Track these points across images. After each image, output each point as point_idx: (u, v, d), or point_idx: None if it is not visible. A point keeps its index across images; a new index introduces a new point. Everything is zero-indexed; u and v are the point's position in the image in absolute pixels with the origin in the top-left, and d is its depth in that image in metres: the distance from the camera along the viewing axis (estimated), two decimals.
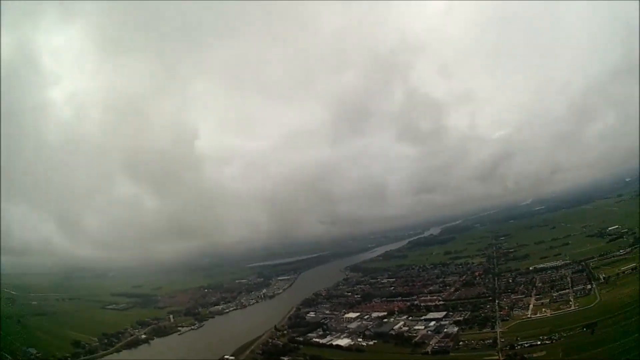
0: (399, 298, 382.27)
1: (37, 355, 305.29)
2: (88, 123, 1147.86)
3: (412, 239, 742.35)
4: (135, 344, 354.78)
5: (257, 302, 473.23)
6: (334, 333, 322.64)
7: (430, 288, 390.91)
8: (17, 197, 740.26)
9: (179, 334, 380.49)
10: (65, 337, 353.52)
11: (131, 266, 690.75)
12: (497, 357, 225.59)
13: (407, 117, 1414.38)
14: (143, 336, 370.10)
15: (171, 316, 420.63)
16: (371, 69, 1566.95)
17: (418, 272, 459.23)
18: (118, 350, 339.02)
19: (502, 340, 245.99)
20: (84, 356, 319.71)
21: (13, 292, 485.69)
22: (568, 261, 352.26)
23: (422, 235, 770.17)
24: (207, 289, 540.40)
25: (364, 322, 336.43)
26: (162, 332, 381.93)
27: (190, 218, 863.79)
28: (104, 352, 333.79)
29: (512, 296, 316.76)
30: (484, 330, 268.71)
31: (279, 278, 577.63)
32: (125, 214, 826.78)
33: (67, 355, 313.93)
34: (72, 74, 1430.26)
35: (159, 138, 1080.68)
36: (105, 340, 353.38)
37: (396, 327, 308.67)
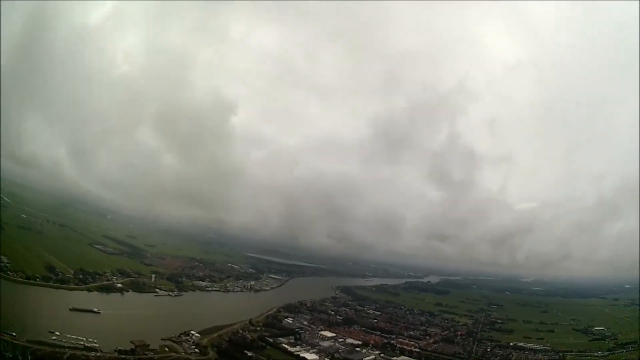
0: (378, 332, 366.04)
1: (7, 264, 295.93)
2: (129, 64, 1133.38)
3: (410, 279, 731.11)
4: (108, 289, 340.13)
5: (242, 291, 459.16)
6: (304, 345, 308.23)
7: (411, 332, 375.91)
8: (36, 109, 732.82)
9: (155, 295, 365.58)
10: (41, 258, 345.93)
11: (132, 215, 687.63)
12: None
13: (442, 160, 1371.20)
14: (119, 285, 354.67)
15: (153, 276, 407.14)
16: (423, 100, 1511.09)
17: (404, 314, 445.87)
18: (90, 290, 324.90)
19: None
20: (53, 282, 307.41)
21: (6, 199, 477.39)
22: (548, 348, 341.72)
23: (420, 279, 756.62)
24: (197, 262, 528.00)
25: (337, 344, 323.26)
26: (139, 288, 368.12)
27: (205, 189, 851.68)
28: (75, 286, 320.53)
29: None
30: None
31: (270, 275, 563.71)
32: (141, 164, 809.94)
33: (37, 276, 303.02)
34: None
35: (197, 101, 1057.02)
36: (81, 276, 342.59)
37: (367, 358, 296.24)
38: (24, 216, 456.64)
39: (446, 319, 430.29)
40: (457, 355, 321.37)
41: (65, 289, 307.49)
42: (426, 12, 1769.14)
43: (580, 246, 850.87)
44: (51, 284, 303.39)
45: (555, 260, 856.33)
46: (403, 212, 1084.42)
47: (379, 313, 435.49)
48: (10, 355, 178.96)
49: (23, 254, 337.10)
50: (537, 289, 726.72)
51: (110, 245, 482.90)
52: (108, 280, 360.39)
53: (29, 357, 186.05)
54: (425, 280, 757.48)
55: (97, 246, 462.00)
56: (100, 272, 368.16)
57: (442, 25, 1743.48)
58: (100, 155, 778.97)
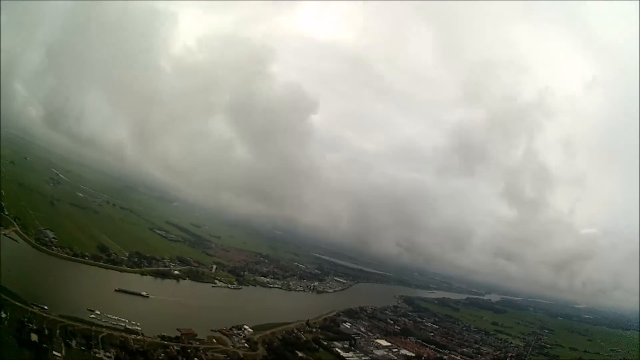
0: (433, 346, 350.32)
1: (53, 239, 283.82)
2: (204, 52, 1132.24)
3: (471, 295, 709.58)
4: (164, 275, 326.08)
5: (304, 291, 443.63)
6: (358, 352, 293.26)
7: (465, 349, 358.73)
8: (101, 90, 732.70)
9: (212, 286, 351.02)
10: (94, 238, 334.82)
11: (198, 205, 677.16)
12: None
13: (516, 177, 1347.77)
14: (176, 272, 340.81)
15: (215, 266, 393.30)
16: (502, 113, 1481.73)
17: (461, 330, 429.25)
18: (143, 274, 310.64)
19: None
20: (103, 262, 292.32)
21: (61, 176, 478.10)
22: None
23: (481, 296, 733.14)
24: (263, 258, 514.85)
25: (391, 354, 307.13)
26: (197, 277, 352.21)
27: (276, 184, 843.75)
28: (128, 268, 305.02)
29: None
30: None
31: (335, 278, 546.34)
32: (211, 153, 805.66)
33: (87, 254, 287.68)
34: None
35: (276, 95, 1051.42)
36: (136, 259, 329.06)
37: None
38: (81, 195, 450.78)
39: (500, 339, 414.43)
40: None
41: (116, 269, 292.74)
42: (508, 25, 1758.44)
43: (631, 276, 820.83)
44: (101, 263, 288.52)
45: (608, 289, 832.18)
46: (472, 227, 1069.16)
47: (437, 327, 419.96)
48: (35, 327, 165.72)
49: (74, 231, 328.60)
50: (587, 316, 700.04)
51: (173, 232, 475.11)
52: (165, 267, 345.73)
53: (57, 331, 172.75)
54: (486, 297, 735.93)
55: (158, 231, 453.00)
56: (158, 258, 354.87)
57: (523, 39, 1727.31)
58: (168, 141, 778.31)
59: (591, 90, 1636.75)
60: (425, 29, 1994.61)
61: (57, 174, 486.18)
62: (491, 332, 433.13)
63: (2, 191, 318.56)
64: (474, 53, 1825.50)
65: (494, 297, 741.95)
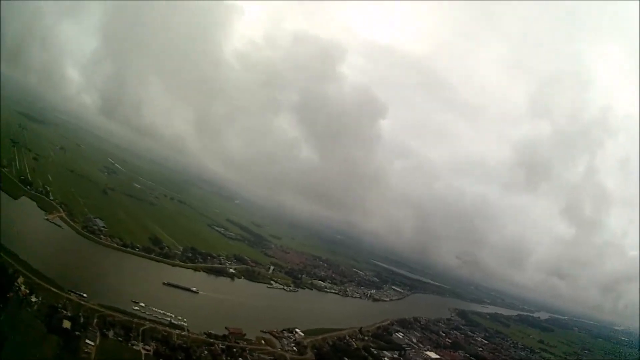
0: None
1: (102, 228, 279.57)
2: (272, 48, 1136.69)
3: (522, 312, 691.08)
4: (218, 272, 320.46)
5: (360, 298, 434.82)
6: None
7: None
8: (162, 83, 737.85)
9: (268, 287, 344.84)
10: (147, 229, 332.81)
11: (260, 204, 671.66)
12: None
13: (577, 196, 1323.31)
14: (231, 270, 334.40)
15: (272, 267, 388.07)
16: (567, 128, 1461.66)
17: (509, 346, 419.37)
18: (196, 270, 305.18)
19: None
20: (155, 255, 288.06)
21: (117, 166, 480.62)
22: None
23: (531, 314, 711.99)
24: (322, 262, 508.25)
25: None
26: (253, 277, 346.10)
27: (340, 188, 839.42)
28: (181, 263, 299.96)
29: None
30: None
31: (392, 286, 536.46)
32: (275, 151, 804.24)
33: (137, 246, 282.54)
34: None
35: (344, 96, 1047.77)
36: (190, 254, 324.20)
37: None
38: (137, 185, 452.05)
39: (544, 358, 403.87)
40: None
41: (167, 263, 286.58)
42: (573, 41, 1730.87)
43: None
44: (152, 256, 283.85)
45: None
46: (531, 245, 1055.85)
47: (486, 342, 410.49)
48: (69, 314, 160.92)
49: (126, 221, 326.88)
50: (624, 338, 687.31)
51: (233, 229, 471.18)
52: (220, 264, 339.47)
53: (95, 320, 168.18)
54: (535, 315, 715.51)
55: (217, 228, 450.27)
56: (214, 254, 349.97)
57: (587, 55, 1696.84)
58: (231, 136, 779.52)
59: None
60: (495, 41, 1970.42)
61: (113, 163, 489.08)
62: (536, 350, 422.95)
63: (49, 175, 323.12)
64: (542, 68, 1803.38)
65: (543, 315, 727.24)
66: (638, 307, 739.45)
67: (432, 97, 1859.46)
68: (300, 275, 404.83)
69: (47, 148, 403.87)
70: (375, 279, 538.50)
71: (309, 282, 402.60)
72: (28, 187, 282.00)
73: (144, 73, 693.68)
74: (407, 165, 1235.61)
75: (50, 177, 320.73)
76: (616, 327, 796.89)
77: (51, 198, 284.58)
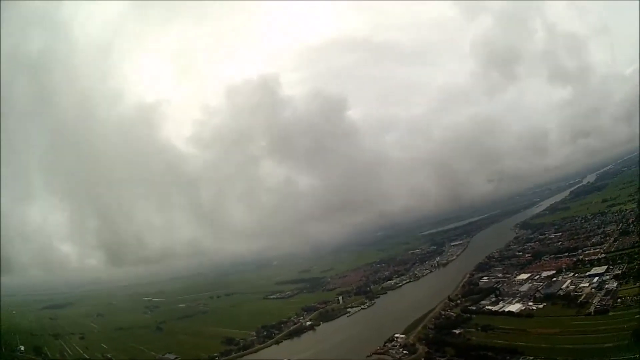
0: (566, 254, 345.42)
1: (176, 359, 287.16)
2: (217, 113, 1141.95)
3: (572, 188, 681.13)
4: (298, 332, 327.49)
5: (430, 271, 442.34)
6: (506, 298, 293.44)
7: (593, 240, 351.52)
8: (154, 205, 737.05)
9: (347, 316, 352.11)
10: (216, 336, 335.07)
11: (297, 252, 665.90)
12: None
13: (553, 56, 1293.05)
14: (308, 323, 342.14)
15: (340, 297, 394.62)
16: (506, 8, 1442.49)
17: (581, 224, 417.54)
18: (278, 342, 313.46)
19: None
20: (235, 353, 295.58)
21: (155, 300, 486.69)
22: None
23: (581, 184, 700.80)
24: (379, 264, 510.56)
25: (534, 283, 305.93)
26: (329, 316, 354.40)
27: (353, 192, 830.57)
28: (261, 345, 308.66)
29: None
30: (638, 284, 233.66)
31: (451, 244, 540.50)
32: (279, 199, 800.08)
33: (215, 355, 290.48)
34: None
35: (303, 112, 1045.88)
36: (264, 333, 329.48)
37: (563, 286, 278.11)
38: (182, 305, 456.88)
39: (615, 212, 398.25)
40: (636, 244, 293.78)
41: (250, 353, 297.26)
42: None
43: None
44: (233, 355, 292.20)
45: None
46: (543, 124, 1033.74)
47: (560, 234, 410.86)
48: None
49: (193, 341, 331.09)
50: None
51: (287, 289, 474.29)
52: (295, 324, 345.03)
53: None
54: (584, 182, 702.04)
55: (272, 297, 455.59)
56: (285, 319, 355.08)
57: None
58: (230, 211, 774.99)
59: None
60: None
61: (150, 300, 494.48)
62: (605, 211, 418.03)
63: (103, 344, 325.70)
64: None
65: (591, 178, 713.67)
66: None
67: (382, 60, 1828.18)
68: (368, 288, 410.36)
69: (86, 323, 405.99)
70: (432, 247, 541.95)
71: (379, 288, 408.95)
72: None
73: (126, 206, 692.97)
74: (397, 134, 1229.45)
75: (104, 345, 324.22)
76: None
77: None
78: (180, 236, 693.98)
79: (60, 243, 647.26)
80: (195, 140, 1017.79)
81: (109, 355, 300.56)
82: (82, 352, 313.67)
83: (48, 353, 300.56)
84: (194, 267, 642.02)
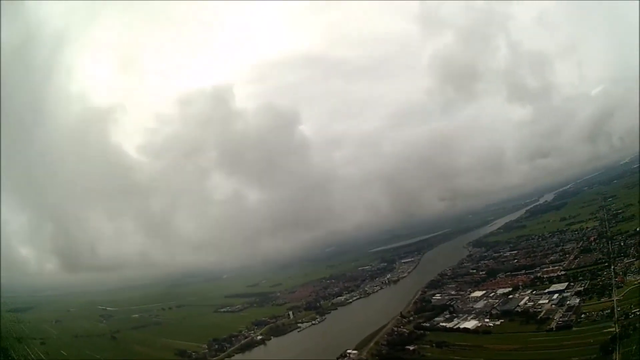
0: (523, 271, 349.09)
1: None
2: (169, 122, 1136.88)
3: (528, 207, 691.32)
4: (249, 346, 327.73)
5: (381, 288, 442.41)
6: (460, 315, 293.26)
7: (551, 258, 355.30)
8: (106, 211, 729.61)
9: (298, 331, 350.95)
10: (168, 348, 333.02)
11: (246, 265, 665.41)
12: (614, 329, 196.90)
13: (514, 75, 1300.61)
14: (259, 337, 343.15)
15: (290, 313, 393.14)
16: (469, 23, 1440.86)
17: (538, 242, 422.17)
18: (229, 355, 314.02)
19: (619, 309, 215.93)
20: None
21: (109, 308, 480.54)
22: None
23: (537, 203, 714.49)
24: (329, 280, 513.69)
25: (489, 300, 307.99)
26: (280, 331, 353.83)
27: (303, 208, 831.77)
28: (213, 358, 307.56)
29: (625, 260, 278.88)
30: (602, 300, 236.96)
31: (402, 261, 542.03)
32: (228, 212, 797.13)
33: None
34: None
35: (255, 126, 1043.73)
36: (216, 346, 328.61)
37: (521, 303, 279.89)
38: (135, 315, 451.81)
39: (575, 231, 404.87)
40: (599, 261, 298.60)
41: None
42: None
43: None
44: None
45: None
46: (500, 144, 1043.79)
47: (516, 252, 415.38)
48: None
49: (146, 352, 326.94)
50: (635, 166, 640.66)
51: (236, 302, 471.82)
52: (246, 338, 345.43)
53: None
54: (542, 201, 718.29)
55: (222, 310, 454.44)
56: (235, 333, 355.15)
57: None
58: (183, 225, 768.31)
59: None
60: None
61: (104, 309, 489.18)
62: (564, 229, 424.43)
63: (62, 351, 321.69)
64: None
65: (549, 197, 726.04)
66: (636, 128, 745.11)
67: (335, 76, 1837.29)
68: (318, 304, 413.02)
69: (46, 328, 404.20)
70: (383, 264, 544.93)
71: (329, 304, 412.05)
72: None
73: (78, 211, 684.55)
74: (347, 150, 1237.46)
75: (64, 352, 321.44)
76: (623, 162, 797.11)
77: None
78: (130, 246, 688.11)
79: (19, 245, 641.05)
80: (146, 148, 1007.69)
81: None
82: (43, 357, 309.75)
83: (14, 356, 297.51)
84: (145, 277, 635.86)
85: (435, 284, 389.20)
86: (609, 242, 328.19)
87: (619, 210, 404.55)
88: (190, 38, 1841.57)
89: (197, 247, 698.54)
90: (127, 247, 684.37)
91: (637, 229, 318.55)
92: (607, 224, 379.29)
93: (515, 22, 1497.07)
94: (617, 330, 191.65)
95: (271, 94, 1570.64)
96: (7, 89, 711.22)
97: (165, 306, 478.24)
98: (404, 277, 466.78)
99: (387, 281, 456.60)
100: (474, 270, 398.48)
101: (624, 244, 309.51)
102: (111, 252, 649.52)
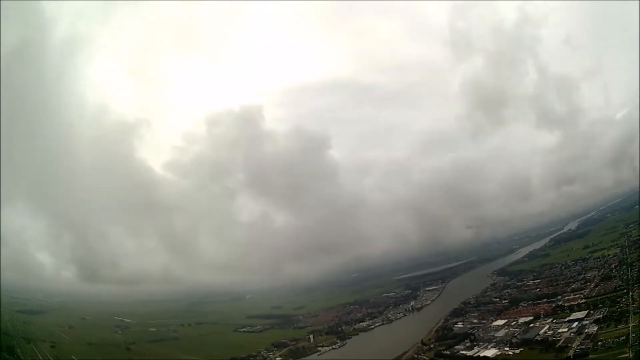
0: (545, 300, 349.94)
1: None
2: (196, 140, 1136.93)
3: (553, 235, 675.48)
4: None
5: (404, 315, 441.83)
6: (481, 343, 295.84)
7: (573, 286, 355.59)
8: (128, 226, 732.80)
9: (318, 355, 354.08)
10: None
11: (271, 287, 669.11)
12: (628, 354, 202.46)
13: (541, 99, 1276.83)
14: (278, 358, 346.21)
15: (311, 336, 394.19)
16: (498, 48, 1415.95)
17: (561, 270, 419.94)
18: None
19: (633, 335, 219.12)
20: None
21: (126, 320, 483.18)
22: None
23: (562, 231, 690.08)
24: (352, 306, 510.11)
25: (511, 329, 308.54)
26: (299, 354, 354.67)
27: (330, 233, 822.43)
28: None
29: None
30: (619, 327, 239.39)
31: (427, 289, 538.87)
32: (254, 234, 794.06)
33: None
34: None
35: (284, 148, 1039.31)
36: None
37: (541, 331, 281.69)
38: (153, 329, 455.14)
39: (597, 258, 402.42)
40: (619, 288, 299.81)
41: None
42: None
43: None
44: None
45: None
46: (528, 170, 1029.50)
47: (539, 280, 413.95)
48: None
49: None
50: None
51: (258, 323, 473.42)
52: (264, 358, 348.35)
53: None
54: (566, 229, 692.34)
55: (242, 330, 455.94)
56: (254, 354, 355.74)
57: None
58: (204, 242, 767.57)
59: None
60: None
61: (122, 320, 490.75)
62: (587, 257, 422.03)
63: (73, 357, 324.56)
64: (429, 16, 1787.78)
65: (573, 225, 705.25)
66: None
67: (364, 104, 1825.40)
68: (340, 328, 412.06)
69: (58, 333, 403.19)
70: (407, 291, 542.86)
71: (351, 329, 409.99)
72: None
73: (100, 224, 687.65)
74: (376, 176, 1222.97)
75: (74, 358, 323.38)
76: None
77: None
78: (153, 261, 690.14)
79: (35, 251, 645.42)
80: (172, 166, 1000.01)
81: None
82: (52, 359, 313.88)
83: (20, 355, 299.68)
84: (166, 293, 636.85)
85: (458, 312, 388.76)
86: (629, 268, 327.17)
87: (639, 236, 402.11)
88: (220, 58, 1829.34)
89: (220, 267, 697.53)
90: (149, 262, 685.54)
91: None
92: (627, 250, 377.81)
93: (543, 45, 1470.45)
94: (631, 356, 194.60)
95: (301, 117, 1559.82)
96: (29, 95, 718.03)
97: (184, 322, 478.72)
98: (428, 304, 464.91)
99: (410, 308, 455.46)
100: (497, 299, 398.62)
101: None
102: (132, 266, 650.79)
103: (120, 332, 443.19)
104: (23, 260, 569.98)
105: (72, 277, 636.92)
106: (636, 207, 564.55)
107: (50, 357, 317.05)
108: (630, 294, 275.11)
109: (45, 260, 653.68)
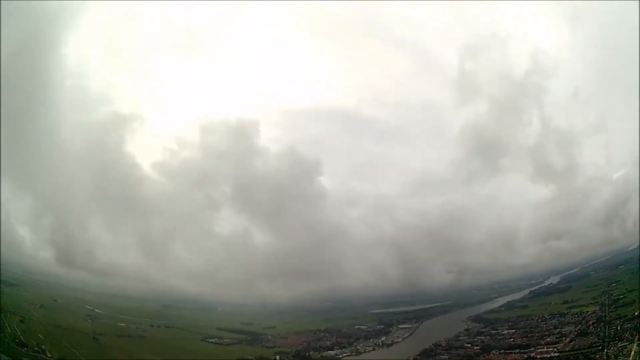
0: (517, 350, 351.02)
1: None
2: (188, 145, 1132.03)
3: (533, 288, 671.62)
4: None
5: (373, 349, 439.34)
6: None
7: (548, 339, 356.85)
8: (109, 218, 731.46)
9: None
10: None
11: (243, 303, 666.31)
12: None
13: (541, 152, 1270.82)
14: None
15: (278, 357, 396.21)
16: (503, 94, 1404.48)
17: (537, 323, 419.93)
18: None
19: None
20: None
21: (97, 311, 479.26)
22: None
23: (543, 285, 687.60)
24: (323, 333, 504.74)
25: None
26: None
27: (309, 258, 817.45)
28: None
29: (619, 344, 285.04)
30: None
31: (400, 326, 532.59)
32: (232, 248, 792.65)
33: None
34: None
35: (275, 167, 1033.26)
36: None
37: None
38: (122, 324, 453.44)
39: (575, 314, 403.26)
40: (594, 344, 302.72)
41: None
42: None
43: None
44: None
45: None
46: (517, 223, 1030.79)
47: (513, 330, 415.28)
48: None
49: None
50: None
51: (226, 336, 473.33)
52: None
53: None
54: (547, 283, 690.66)
55: (211, 340, 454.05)
56: None
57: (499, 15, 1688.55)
58: (183, 250, 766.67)
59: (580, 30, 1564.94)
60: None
61: (92, 309, 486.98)
62: (565, 312, 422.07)
63: (40, 335, 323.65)
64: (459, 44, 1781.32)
65: (554, 280, 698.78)
66: None
67: (359, 136, 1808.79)
68: (307, 354, 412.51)
69: (28, 309, 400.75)
70: (379, 326, 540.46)
71: (318, 356, 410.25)
72: (25, 348, 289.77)
73: (83, 213, 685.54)
74: (364, 209, 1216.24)
75: (41, 336, 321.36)
76: (631, 248, 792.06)
77: (49, 356, 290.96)
78: (127, 257, 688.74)
79: (16, 224, 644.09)
80: (160, 166, 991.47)
81: (43, 347, 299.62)
82: (19, 333, 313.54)
83: None
84: (139, 291, 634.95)
85: (428, 353, 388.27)
86: (607, 326, 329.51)
87: (621, 295, 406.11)
88: (223, 65, 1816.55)
89: (194, 275, 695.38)
90: (124, 257, 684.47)
91: (636, 313, 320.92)
92: (607, 308, 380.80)
93: (550, 97, 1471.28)
94: None
95: (295, 140, 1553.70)
96: (24, 83, 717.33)
97: (154, 323, 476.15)
98: (399, 342, 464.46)
99: (380, 343, 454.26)
100: (469, 344, 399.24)
101: (621, 328, 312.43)
102: (107, 258, 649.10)
103: (90, 321, 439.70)
104: (4, 231, 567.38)
105: (49, 258, 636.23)
106: (621, 266, 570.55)
107: (17, 330, 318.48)
108: (605, 350, 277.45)
109: (26, 236, 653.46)
